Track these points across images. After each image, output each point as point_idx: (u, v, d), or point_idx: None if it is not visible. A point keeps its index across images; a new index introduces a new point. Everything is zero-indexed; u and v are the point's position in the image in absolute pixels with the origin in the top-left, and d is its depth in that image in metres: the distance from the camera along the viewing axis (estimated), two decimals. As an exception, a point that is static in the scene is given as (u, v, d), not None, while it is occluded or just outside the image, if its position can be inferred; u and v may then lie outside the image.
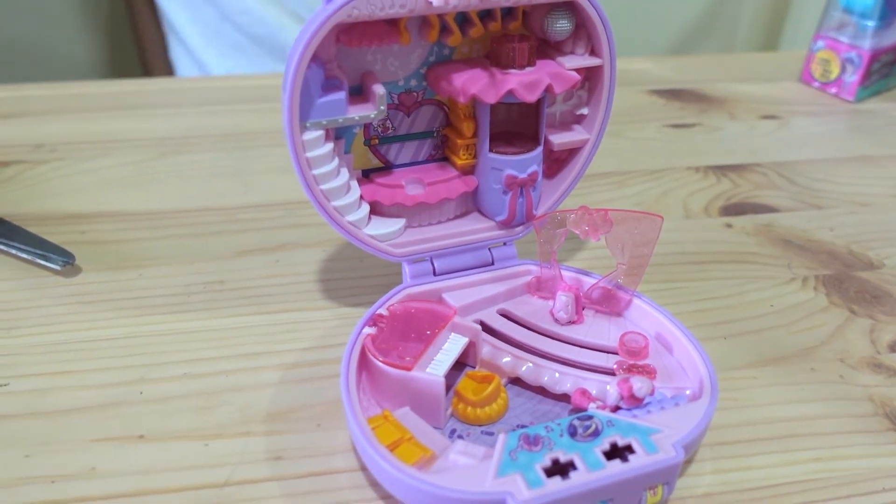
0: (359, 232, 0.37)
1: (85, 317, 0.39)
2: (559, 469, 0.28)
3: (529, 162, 0.38)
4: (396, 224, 0.38)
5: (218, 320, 0.40)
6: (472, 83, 0.35)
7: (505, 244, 0.40)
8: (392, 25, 0.34)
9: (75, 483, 0.31)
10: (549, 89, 0.35)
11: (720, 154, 0.59)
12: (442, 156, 0.40)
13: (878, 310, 0.42)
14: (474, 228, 0.39)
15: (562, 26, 0.35)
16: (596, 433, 0.29)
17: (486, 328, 0.37)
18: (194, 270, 0.43)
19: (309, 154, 0.34)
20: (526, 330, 0.37)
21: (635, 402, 0.32)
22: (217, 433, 0.33)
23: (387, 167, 0.39)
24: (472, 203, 0.40)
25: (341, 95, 0.34)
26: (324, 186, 0.35)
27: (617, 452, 0.29)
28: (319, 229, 0.47)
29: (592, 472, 0.28)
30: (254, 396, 0.35)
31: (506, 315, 0.38)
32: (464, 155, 0.38)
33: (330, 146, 0.35)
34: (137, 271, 0.43)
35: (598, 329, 0.37)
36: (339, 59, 0.35)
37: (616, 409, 0.32)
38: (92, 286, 0.42)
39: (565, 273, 0.39)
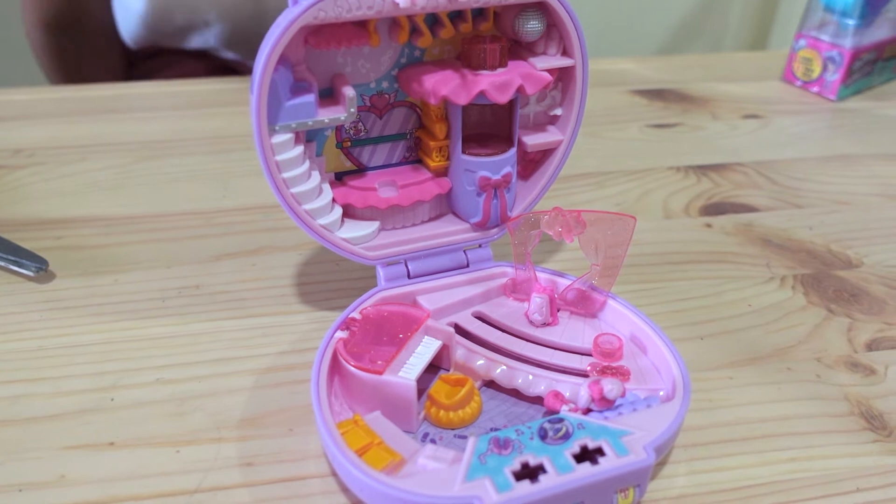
0: (331, 235, 0.37)
1: (58, 323, 0.39)
2: (528, 472, 0.28)
3: (503, 163, 0.37)
4: (370, 227, 0.38)
5: (193, 325, 0.39)
6: (443, 84, 0.35)
7: (480, 246, 0.40)
8: (361, 27, 0.34)
9: (44, 491, 0.31)
10: (521, 90, 0.35)
11: (701, 154, 0.59)
12: (415, 158, 0.40)
13: (856, 309, 0.42)
14: (449, 231, 0.39)
15: (532, 27, 0.35)
16: (566, 436, 0.29)
17: (461, 331, 0.37)
18: (170, 275, 0.43)
19: (278, 157, 0.34)
20: (500, 332, 0.37)
21: (606, 403, 0.32)
22: (189, 439, 0.33)
23: (360, 170, 0.39)
24: (446, 205, 0.40)
25: (310, 98, 0.33)
26: (294, 190, 0.35)
27: (587, 455, 0.29)
28: (296, 233, 0.46)
29: (562, 475, 0.28)
30: (226, 402, 0.35)
31: (480, 317, 0.38)
32: (437, 157, 0.38)
33: (300, 149, 0.34)
34: (113, 276, 0.43)
35: (573, 331, 0.37)
36: (309, 61, 0.35)
37: (588, 411, 0.32)
38: (66, 292, 0.41)
39: (540, 274, 0.38)
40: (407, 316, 0.35)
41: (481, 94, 0.35)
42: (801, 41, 0.69)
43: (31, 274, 0.42)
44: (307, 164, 0.35)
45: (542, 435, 0.29)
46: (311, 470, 0.32)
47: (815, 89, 0.69)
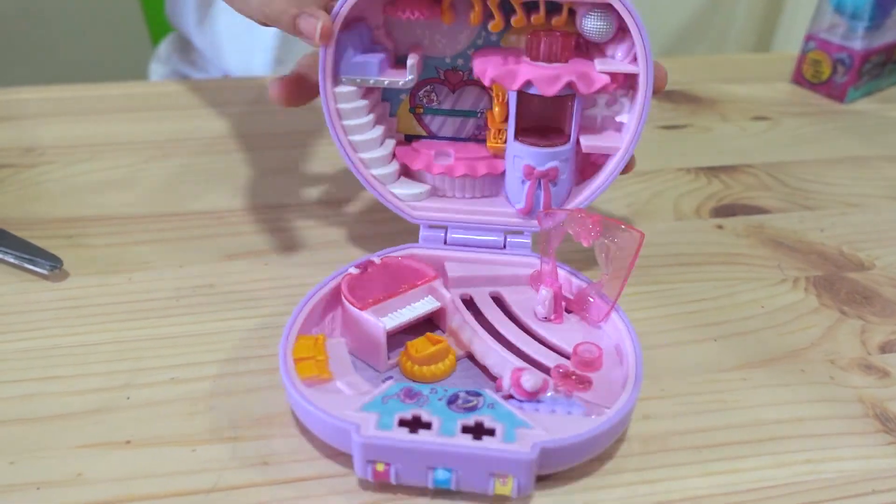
0: (382, 188, 0.40)
1: (72, 322, 0.39)
2: (414, 424, 0.30)
3: (549, 157, 0.38)
4: (420, 188, 0.41)
5: (206, 324, 0.39)
6: (494, 67, 0.36)
7: (523, 233, 0.40)
8: (436, 2, 0.36)
9: (61, 489, 0.31)
10: (573, 87, 0.36)
11: (711, 155, 0.59)
12: (483, 137, 0.41)
13: (869, 311, 0.42)
14: (495, 211, 0.41)
15: (594, 26, 0.35)
16: (472, 408, 0.30)
17: (469, 303, 0.38)
18: (183, 274, 0.43)
19: (340, 105, 0.38)
20: (503, 316, 0.38)
21: (528, 395, 0.32)
22: (204, 438, 0.33)
23: (429, 136, 0.42)
24: (501, 187, 0.41)
25: (376, 59, 0.37)
26: (353, 137, 0.38)
27: (478, 430, 0.30)
28: (308, 232, 0.47)
29: (440, 436, 0.29)
30: (241, 401, 0.35)
31: (496, 298, 0.39)
32: (495, 138, 0.40)
33: (363, 102, 0.38)
34: (126, 275, 0.43)
35: (567, 332, 0.37)
36: (389, 27, 0.38)
37: (510, 397, 0.33)
38: (79, 291, 0.41)
39: (562, 271, 0.39)
40: (417, 271, 0.38)
41: (529, 82, 0.35)
42: (811, 43, 0.69)
43: (45, 272, 0.42)
44: (370, 117, 0.39)
45: (452, 400, 0.31)
46: (327, 469, 0.32)
47: (824, 91, 0.69)
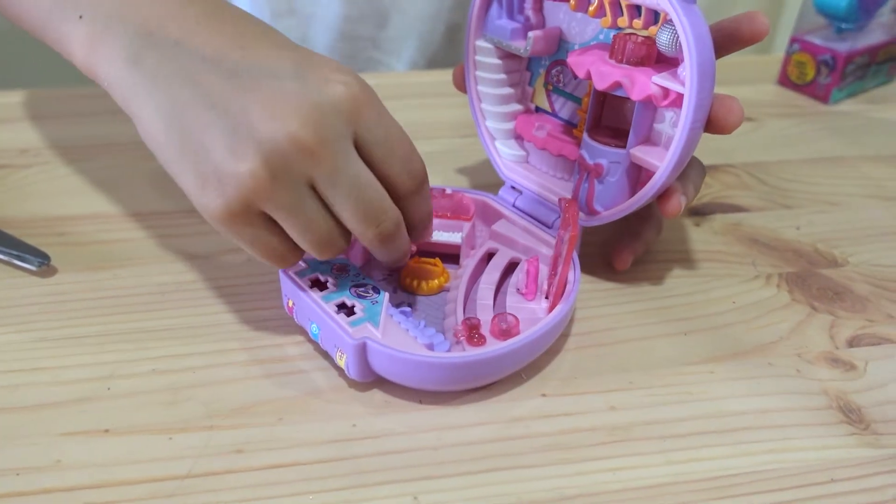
0: (490, 140, 0.46)
1: (58, 316, 0.40)
2: (316, 283, 0.38)
3: (601, 153, 0.40)
4: (519, 152, 0.46)
5: (188, 318, 0.41)
6: (579, 55, 0.39)
7: None
8: None
9: (40, 475, 0.32)
10: (625, 88, 0.36)
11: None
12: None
13: (839, 306, 0.43)
14: (563, 193, 0.44)
15: (660, 40, 0.36)
16: (362, 297, 0.37)
17: (488, 257, 0.43)
18: (168, 270, 0.44)
19: (478, 58, 0.45)
20: (496, 276, 0.41)
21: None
22: (181, 427, 0.34)
23: (551, 114, 0.46)
24: (573, 173, 0.44)
25: (510, 25, 0.42)
26: (481, 89, 0.45)
27: (345, 309, 0.36)
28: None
29: (317, 297, 0.36)
30: (219, 392, 0.36)
31: (513, 262, 0.42)
32: (581, 127, 0.43)
33: (499, 62, 0.44)
34: (112, 272, 0.44)
35: (519, 307, 0.39)
36: (539, 4, 0.43)
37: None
38: (67, 286, 0.43)
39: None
40: (465, 207, 0.44)
41: (589, 73, 0.38)
42: (795, 45, 0.70)
43: (33, 268, 0.43)
44: (503, 76, 0.45)
45: (357, 285, 0.37)
46: (299, 457, 0.33)
47: (809, 93, 0.70)
